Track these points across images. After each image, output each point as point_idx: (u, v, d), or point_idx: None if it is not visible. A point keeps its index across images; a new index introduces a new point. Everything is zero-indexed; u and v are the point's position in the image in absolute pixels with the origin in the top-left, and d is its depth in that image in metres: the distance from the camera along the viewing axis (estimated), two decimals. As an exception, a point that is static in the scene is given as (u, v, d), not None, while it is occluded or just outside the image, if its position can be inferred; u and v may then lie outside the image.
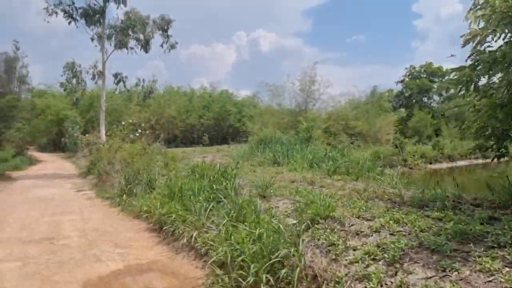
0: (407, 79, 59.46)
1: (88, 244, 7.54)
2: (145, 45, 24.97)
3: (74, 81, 24.12)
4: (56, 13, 23.29)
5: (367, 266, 4.27)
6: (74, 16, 23.65)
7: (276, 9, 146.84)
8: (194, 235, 6.77)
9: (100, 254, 6.92)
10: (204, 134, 52.88)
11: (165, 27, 25.30)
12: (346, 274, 4.22)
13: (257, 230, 5.27)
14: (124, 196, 11.41)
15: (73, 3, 23.80)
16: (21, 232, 8.68)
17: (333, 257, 4.65)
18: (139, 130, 25.70)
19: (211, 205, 7.41)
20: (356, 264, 4.34)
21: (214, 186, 8.12)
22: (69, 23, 23.82)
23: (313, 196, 6.43)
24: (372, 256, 4.40)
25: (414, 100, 57.89)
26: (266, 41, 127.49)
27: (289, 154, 14.13)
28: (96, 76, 24.09)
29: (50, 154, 46.72)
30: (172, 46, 25.36)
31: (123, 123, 25.62)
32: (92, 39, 25.31)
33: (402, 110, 55.90)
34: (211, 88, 62.14)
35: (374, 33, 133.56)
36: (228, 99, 59.52)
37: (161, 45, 25.40)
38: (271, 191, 7.91)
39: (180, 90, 61.06)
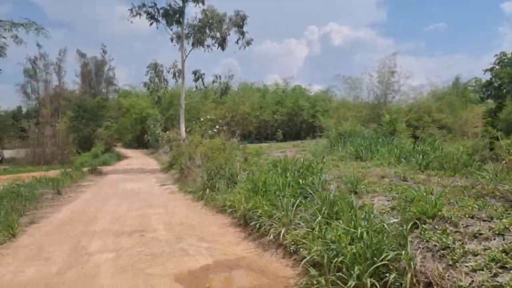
0: (497, 67, 54.45)
1: (175, 238, 7.53)
2: (222, 43, 25.25)
3: (156, 80, 25.08)
4: (140, 14, 24.38)
5: (495, 275, 3.62)
6: (155, 17, 24.60)
7: (348, 2, 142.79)
8: (282, 232, 6.44)
9: (187, 248, 6.85)
10: (278, 130, 52.83)
11: (240, 24, 25.38)
12: (470, 284, 3.62)
13: (358, 229, 4.78)
14: (207, 190, 11.44)
15: (155, 4, 24.77)
16: (113, 225, 8.97)
17: (450, 262, 4.04)
18: (217, 126, 26.14)
19: (298, 201, 7.02)
20: (481, 272, 3.71)
21: (300, 181, 7.71)
22: (151, 24, 24.82)
23: (414, 193, 5.79)
24: (499, 264, 3.74)
25: (504, 90, 52.83)
26: (338, 34, 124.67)
27: (372, 148, 13.30)
28: (177, 75, 24.83)
29: (134, 150, 49.56)
30: (248, 43, 25.38)
31: (201, 119, 26.20)
32: (172, 39, 26.16)
33: (490, 101, 51.26)
34: (284, 84, 61.92)
35: (455, 20, 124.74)
36: (301, 94, 58.93)
37: (237, 42, 25.54)
38: (362, 186, 7.34)
39: (254, 86, 61.62)
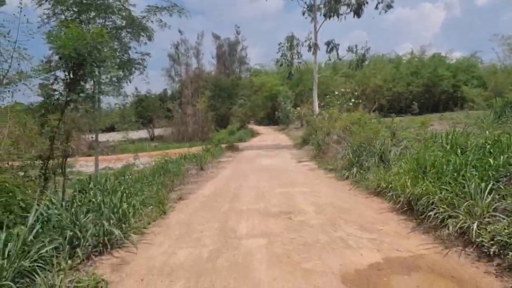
0: None
1: (329, 223, 6.50)
2: (357, 9, 23.15)
3: (289, 54, 24.22)
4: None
5: None
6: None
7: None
8: (474, 226, 4.91)
9: (346, 237, 5.76)
10: (413, 102, 48.26)
11: (380, -14, 22.89)
12: None
13: None
14: (353, 169, 10.18)
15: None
16: (258, 203, 8.36)
17: None
18: (352, 100, 24.42)
19: (490, 185, 5.36)
20: None
21: (491, 161, 5.94)
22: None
23: None
24: None
25: None
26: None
27: None
28: (312, 48, 23.60)
29: (265, 126, 50.35)
30: (388, 6, 22.86)
31: (336, 92, 24.76)
32: (303, 13, 25.02)
33: None
34: (419, 53, 56.11)
35: None
36: (440, 63, 52.68)
37: (376, 7, 23.13)
38: None
39: (385, 57, 57.22)
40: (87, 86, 14.14)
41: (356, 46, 23.99)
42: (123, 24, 15.05)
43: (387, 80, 51.32)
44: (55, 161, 8.90)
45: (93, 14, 14.23)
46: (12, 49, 8.82)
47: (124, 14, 14.74)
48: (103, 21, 14.50)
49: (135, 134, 48.92)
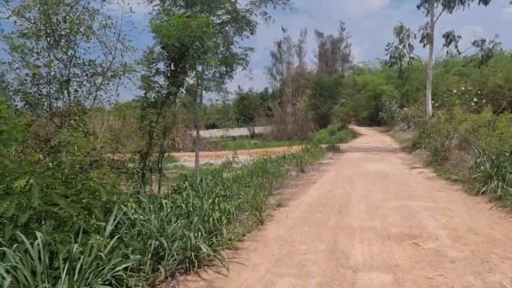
0: None
1: (477, 259, 4.75)
2: (487, -5, 19.75)
3: (399, 48, 21.56)
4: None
5: None
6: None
7: None
8: None
9: (511, 285, 4.02)
10: (541, 105, 41.20)
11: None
12: None
13: None
14: (494, 182, 8.04)
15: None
16: (371, 219, 6.82)
17: None
18: (474, 99, 21.10)
19: None
20: None
21: None
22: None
23: None
24: None
25: None
26: None
27: None
28: (426, 40, 20.76)
29: (366, 127, 47.39)
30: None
31: (454, 91, 21.66)
32: (418, 6, 22.33)
33: None
34: (552, 47, 47.74)
35: None
36: None
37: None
38: None
39: (507, 54, 49.92)
40: (190, 81, 13.73)
41: (483, 39, 20.48)
42: (228, 18, 14.42)
43: (510, 80, 44.69)
44: (153, 157, 8.40)
45: (198, 8, 13.84)
46: (116, 39, 8.51)
47: (229, 8, 14.06)
48: (208, 15, 14.03)
49: (236, 132, 49.53)
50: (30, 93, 7.92)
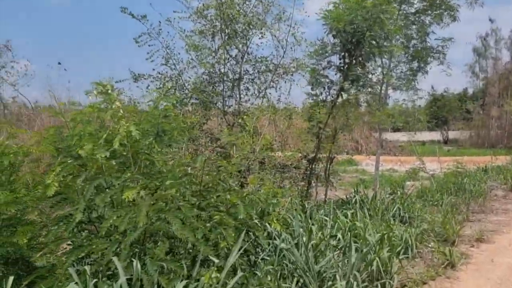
0: None
1: None
2: None
3: None
4: None
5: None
6: None
7: None
8: None
9: None
10: None
11: None
12: None
13: None
14: None
15: None
16: None
17: None
18: None
19: None
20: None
21: None
22: None
23: None
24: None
25: None
26: None
27: None
28: None
29: None
30: None
31: None
32: None
33: None
34: None
35: None
36: None
37: None
38: None
39: None
40: (373, 78, 11.97)
41: None
42: (423, 6, 12.07)
43: None
44: (323, 164, 7.22)
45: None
46: (287, 32, 7.64)
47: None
48: (398, 6, 12.02)
49: (426, 136, 44.66)
50: (205, 91, 7.79)
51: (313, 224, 4.63)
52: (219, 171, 3.91)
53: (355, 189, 7.37)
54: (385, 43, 6.95)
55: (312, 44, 7.13)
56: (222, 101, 7.86)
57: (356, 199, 6.44)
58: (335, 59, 7.15)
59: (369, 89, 7.16)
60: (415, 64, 13.08)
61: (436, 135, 46.59)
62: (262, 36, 7.67)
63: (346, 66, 6.87)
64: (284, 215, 4.74)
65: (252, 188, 5.43)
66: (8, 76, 14.92)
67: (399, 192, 8.17)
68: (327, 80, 6.91)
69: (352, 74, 6.61)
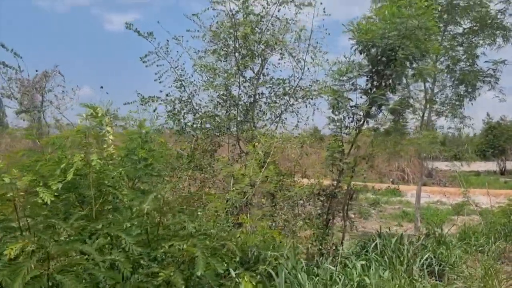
0: None
1: None
2: None
3: None
4: None
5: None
6: None
7: None
8: None
9: None
10: None
11: None
12: None
13: None
14: None
15: None
16: None
17: None
18: None
19: None
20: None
21: None
22: None
23: None
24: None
25: None
26: None
27: None
28: None
29: None
30: None
31: None
32: None
33: None
34: None
35: None
36: None
37: None
38: None
39: None
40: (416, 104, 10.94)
41: None
42: (474, 26, 10.77)
43: None
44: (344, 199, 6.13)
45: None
46: (306, 49, 6.75)
47: (477, 14, 10.42)
48: (444, 26, 10.79)
49: (481, 166, 41.18)
50: (217, 115, 7.09)
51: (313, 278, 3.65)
52: (180, 212, 3.08)
53: (379, 230, 6.17)
54: (420, 64, 5.85)
55: (335, 62, 6.18)
56: (236, 126, 7.11)
57: (377, 243, 5.27)
58: (361, 82, 6.14)
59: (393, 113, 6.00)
60: (462, 89, 11.69)
61: (492, 165, 42.82)
62: (281, 57, 6.90)
63: (374, 88, 5.84)
64: (280, 264, 3.79)
65: (248, 229, 4.55)
66: (57, 100, 15.17)
67: (437, 233, 6.85)
68: (351, 104, 5.89)
69: (378, 97, 5.55)
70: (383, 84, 5.88)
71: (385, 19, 5.24)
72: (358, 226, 6.30)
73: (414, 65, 5.55)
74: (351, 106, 5.80)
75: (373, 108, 5.92)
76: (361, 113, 5.89)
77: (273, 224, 5.25)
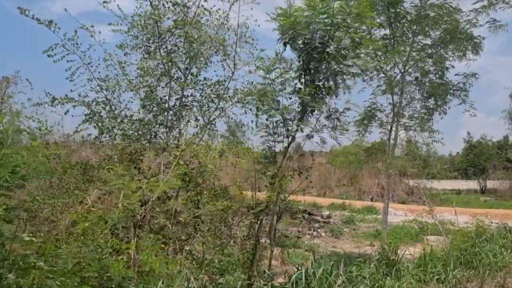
0: None
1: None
2: None
3: None
4: None
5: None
6: None
7: None
8: None
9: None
10: None
11: None
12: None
13: None
14: None
15: None
16: None
17: None
18: None
19: None
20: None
21: None
22: None
23: None
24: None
25: None
26: None
27: None
28: None
29: None
30: None
31: None
32: None
33: None
34: None
35: None
36: None
37: None
38: None
39: None
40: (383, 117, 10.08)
41: None
42: (441, 36, 10.04)
43: None
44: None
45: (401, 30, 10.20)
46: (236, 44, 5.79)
47: (446, 24, 9.71)
48: (412, 36, 10.04)
49: (463, 184, 40.62)
50: (142, 120, 6.06)
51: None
52: None
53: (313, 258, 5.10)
54: (357, 61, 4.89)
55: (261, 58, 5.18)
56: (165, 132, 6.10)
57: (302, 274, 4.18)
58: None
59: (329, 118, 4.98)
60: (431, 102, 10.96)
61: (473, 184, 42.23)
62: (212, 54, 5.94)
63: (306, 89, 4.88)
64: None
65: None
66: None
67: (391, 257, 5.83)
68: (278, 107, 4.89)
69: (306, 97, 4.57)
70: (320, 84, 4.94)
71: (313, 7, 4.33)
72: (328, 245, 5.40)
73: (350, 61, 4.60)
74: (277, 109, 4.80)
75: (305, 117, 4.95)
76: (292, 117, 4.91)
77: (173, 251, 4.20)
